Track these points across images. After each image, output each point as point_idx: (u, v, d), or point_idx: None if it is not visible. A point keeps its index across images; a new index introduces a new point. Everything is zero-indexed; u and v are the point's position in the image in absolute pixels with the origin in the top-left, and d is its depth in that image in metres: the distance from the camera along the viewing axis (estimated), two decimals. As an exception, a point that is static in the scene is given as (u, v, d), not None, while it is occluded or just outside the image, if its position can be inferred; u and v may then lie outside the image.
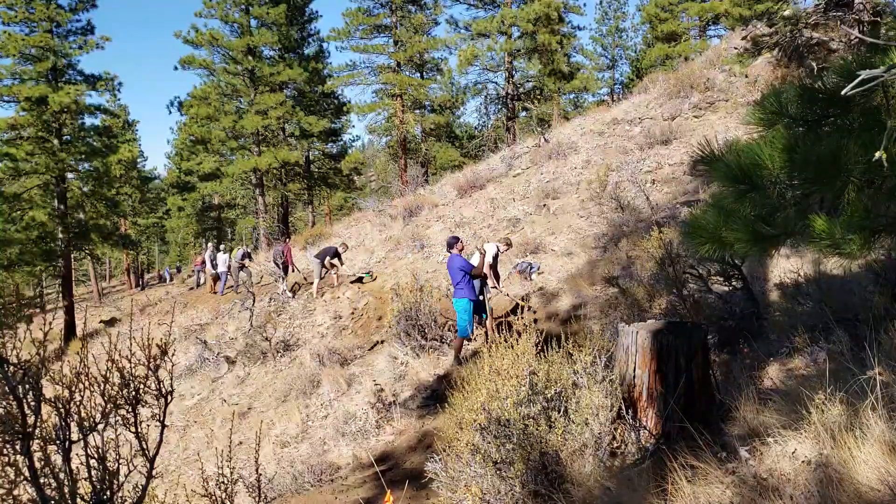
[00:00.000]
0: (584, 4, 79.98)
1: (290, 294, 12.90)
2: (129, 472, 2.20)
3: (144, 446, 2.26)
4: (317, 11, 28.99)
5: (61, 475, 1.97)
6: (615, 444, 3.42)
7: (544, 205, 12.30)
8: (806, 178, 2.14)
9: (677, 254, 6.16)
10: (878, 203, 2.20)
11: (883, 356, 2.91)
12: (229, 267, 16.38)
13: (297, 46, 27.28)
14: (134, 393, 2.22)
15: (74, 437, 2.07)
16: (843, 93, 2.04)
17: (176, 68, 24.72)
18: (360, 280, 12.36)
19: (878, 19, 8.85)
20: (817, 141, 2.08)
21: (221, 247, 18.25)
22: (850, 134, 2.14)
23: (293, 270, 13.96)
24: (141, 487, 2.17)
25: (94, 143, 21.68)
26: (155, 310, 19.24)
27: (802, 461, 2.51)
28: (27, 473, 1.91)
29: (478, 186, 15.09)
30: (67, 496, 1.95)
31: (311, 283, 12.63)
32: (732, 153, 2.49)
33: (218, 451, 3.47)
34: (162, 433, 2.40)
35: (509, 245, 8.98)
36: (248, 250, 17.31)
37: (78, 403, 2.07)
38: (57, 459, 2.00)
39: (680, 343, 3.50)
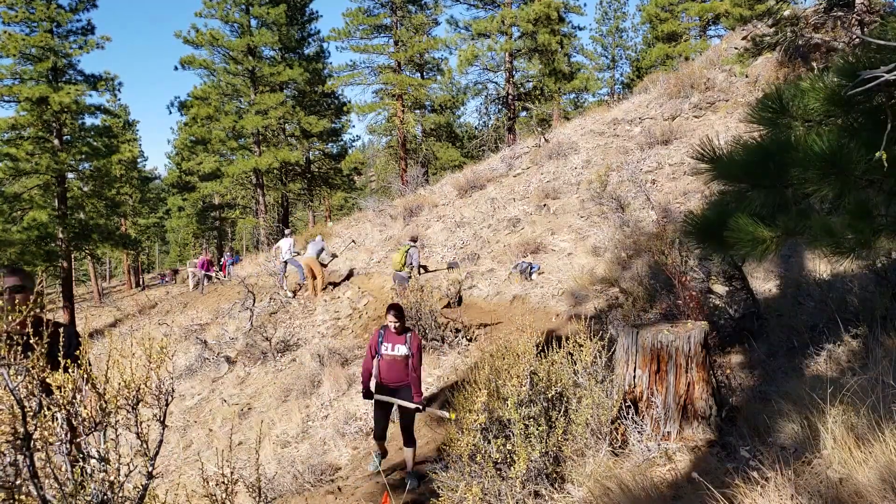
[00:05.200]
0: (585, 4, 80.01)
1: (290, 294, 12.90)
2: (130, 472, 2.19)
3: (145, 446, 2.26)
4: (317, 11, 28.99)
5: (62, 475, 1.97)
6: (616, 445, 3.42)
7: (544, 205, 12.29)
8: (806, 177, 2.14)
9: (678, 254, 6.16)
10: (878, 203, 2.20)
11: (884, 355, 2.91)
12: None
13: (297, 46, 27.27)
14: (134, 393, 2.22)
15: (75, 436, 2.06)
16: (843, 93, 2.04)
17: (176, 68, 24.74)
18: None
19: (881, 20, 8.83)
20: (818, 140, 2.08)
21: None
22: (851, 134, 2.14)
23: None
24: (141, 487, 2.17)
25: (95, 144, 21.67)
26: (155, 310, 19.25)
27: (802, 461, 2.51)
28: (27, 473, 1.90)
29: (478, 186, 15.09)
30: (68, 496, 1.94)
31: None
32: (733, 153, 2.49)
33: (218, 451, 3.47)
34: (162, 433, 2.40)
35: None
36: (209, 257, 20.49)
37: (79, 403, 2.07)
38: (57, 459, 2.00)
39: (680, 343, 3.50)
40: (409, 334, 4.89)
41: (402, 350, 4.84)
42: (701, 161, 2.53)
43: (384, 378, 4.90)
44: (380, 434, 5.07)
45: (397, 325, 4.82)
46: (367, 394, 4.96)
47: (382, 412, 4.98)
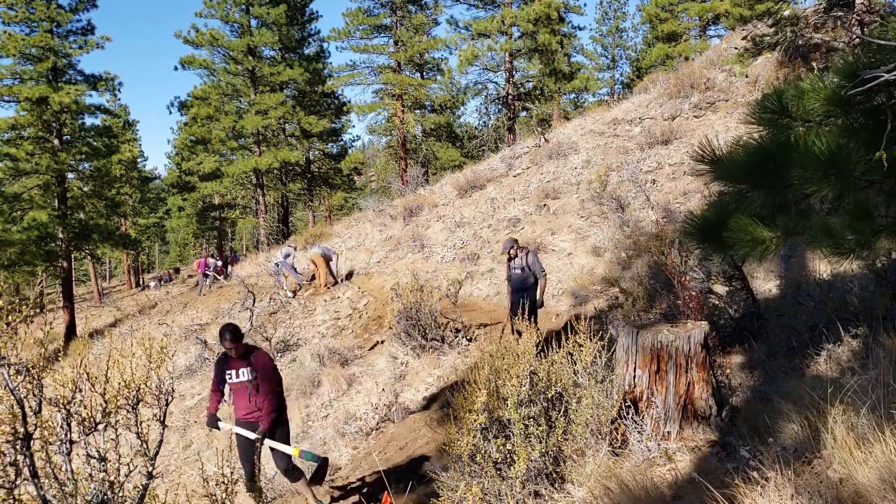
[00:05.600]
0: (585, 4, 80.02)
1: (290, 294, 12.91)
2: (130, 471, 2.20)
3: (145, 446, 2.26)
4: (317, 11, 29.02)
5: (62, 475, 1.97)
6: (616, 445, 3.42)
7: (544, 205, 12.29)
8: (806, 178, 2.14)
9: (678, 254, 6.16)
10: (878, 203, 2.20)
11: (884, 355, 2.91)
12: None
13: (297, 46, 27.28)
14: (134, 393, 2.22)
15: (75, 436, 2.07)
16: (843, 93, 2.04)
17: (176, 68, 24.74)
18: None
19: (881, 20, 8.84)
20: (818, 141, 2.08)
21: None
22: (851, 134, 2.14)
23: None
24: (142, 487, 2.17)
25: (95, 144, 21.68)
26: (155, 310, 19.25)
27: (802, 461, 2.51)
28: (28, 473, 1.90)
29: (478, 186, 15.09)
30: (68, 496, 1.95)
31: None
32: (733, 154, 2.49)
33: (218, 451, 3.48)
34: (162, 433, 2.40)
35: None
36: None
37: (79, 403, 2.07)
38: (58, 459, 2.00)
39: (680, 343, 3.50)
40: (252, 354, 4.22)
41: (245, 375, 4.15)
42: (701, 162, 2.53)
43: (237, 411, 4.26)
44: (248, 479, 4.24)
45: (233, 351, 4.12)
46: (212, 420, 4.27)
47: (243, 449, 4.26)
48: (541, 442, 3.24)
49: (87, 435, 2.07)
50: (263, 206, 26.52)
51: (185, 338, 12.50)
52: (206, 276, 19.61)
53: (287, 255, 13.36)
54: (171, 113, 72.75)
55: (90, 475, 2.06)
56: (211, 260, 20.85)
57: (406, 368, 7.77)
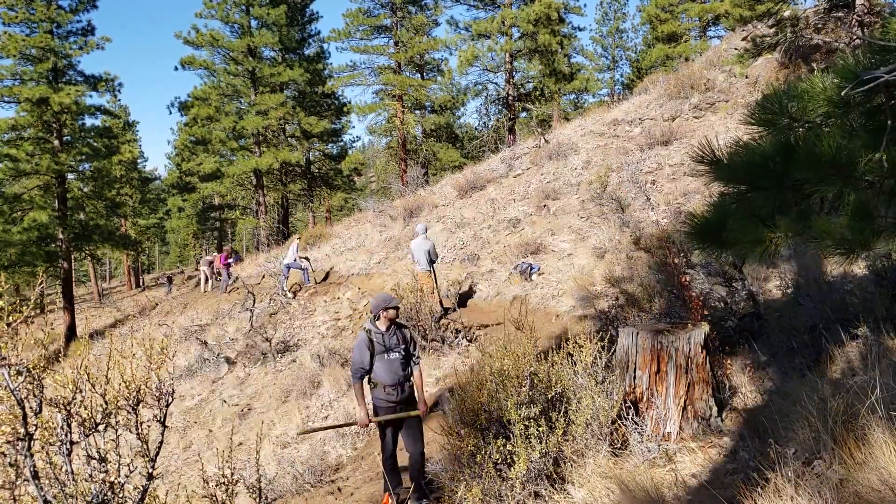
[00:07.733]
0: (585, 5, 79.86)
1: (290, 294, 12.91)
2: (130, 472, 2.19)
3: (145, 447, 2.26)
4: (317, 12, 28.99)
5: (63, 476, 1.97)
6: (616, 445, 3.42)
7: (545, 205, 12.29)
8: (806, 178, 2.14)
9: (678, 254, 6.16)
10: (878, 204, 2.20)
11: (884, 355, 2.91)
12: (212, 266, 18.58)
13: (297, 47, 27.28)
14: (135, 394, 2.22)
15: (76, 437, 2.07)
16: (842, 93, 2.04)
17: (176, 69, 24.73)
18: None
19: (882, 20, 8.84)
20: (819, 142, 2.08)
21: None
22: (851, 135, 2.14)
23: None
24: (142, 488, 2.17)
25: (95, 144, 21.66)
26: (155, 311, 19.24)
27: (802, 462, 2.51)
28: (28, 474, 1.91)
29: (478, 187, 15.09)
30: (69, 496, 1.95)
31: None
32: (733, 155, 2.49)
33: (218, 452, 3.48)
34: (163, 434, 2.40)
35: None
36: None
37: (79, 404, 2.07)
38: (58, 460, 2.00)
39: (680, 344, 3.50)
40: None
41: None
42: (701, 163, 2.53)
43: None
44: None
45: None
46: None
47: None
48: (541, 442, 3.24)
49: (88, 436, 2.06)
50: (264, 207, 26.51)
51: (186, 339, 12.49)
52: (226, 272, 19.09)
53: (294, 251, 13.35)
54: (171, 113, 72.83)
55: (90, 476, 2.06)
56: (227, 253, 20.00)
57: (406, 369, 7.75)
